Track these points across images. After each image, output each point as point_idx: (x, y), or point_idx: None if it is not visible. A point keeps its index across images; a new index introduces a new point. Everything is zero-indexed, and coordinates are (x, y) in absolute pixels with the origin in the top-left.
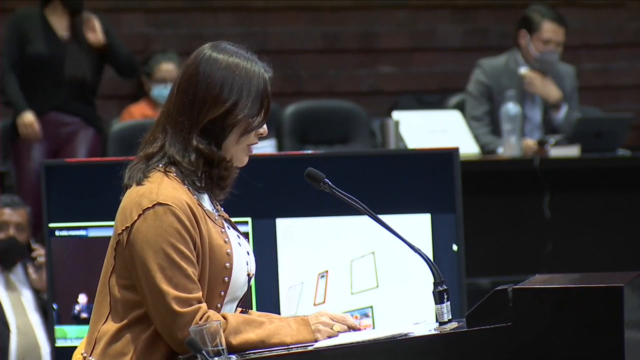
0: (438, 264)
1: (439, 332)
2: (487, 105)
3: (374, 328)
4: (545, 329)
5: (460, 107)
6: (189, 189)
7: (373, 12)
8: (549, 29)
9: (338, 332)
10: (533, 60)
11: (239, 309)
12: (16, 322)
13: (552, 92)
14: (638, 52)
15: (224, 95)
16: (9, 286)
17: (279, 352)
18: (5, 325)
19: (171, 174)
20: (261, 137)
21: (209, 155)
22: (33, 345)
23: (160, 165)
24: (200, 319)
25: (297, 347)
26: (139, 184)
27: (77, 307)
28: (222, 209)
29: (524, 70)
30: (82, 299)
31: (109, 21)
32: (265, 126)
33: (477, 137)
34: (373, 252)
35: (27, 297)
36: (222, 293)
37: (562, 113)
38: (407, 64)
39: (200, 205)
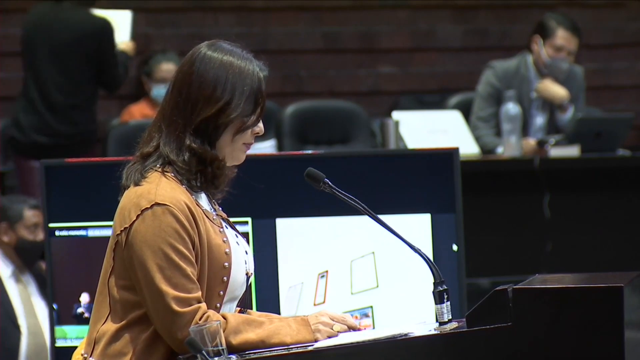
0: (438, 264)
1: (439, 332)
2: (495, 108)
3: (374, 328)
4: (545, 329)
5: (460, 107)
6: (186, 189)
7: (373, 12)
8: (562, 36)
9: (338, 332)
10: (543, 66)
11: (238, 309)
12: (27, 323)
13: (558, 92)
14: (638, 52)
15: (217, 94)
16: (20, 286)
17: (279, 352)
18: (15, 326)
19: (169, 174)
20: (257, 136)
21: (202, 154)
22: (42, 346)
23: (158, 165)
24: (200, 319)
25: (297, 347)
26: (136, 184)
27: (79, 307)
28: (220, 208)
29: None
30: (85, 298)
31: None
32: (261, 125)
33: (480, 138)
34: (373, 252)
35: (37, 298)
36: (221, 292)
37: (568, 114)
38: (407, 64)
39: (198, 205)
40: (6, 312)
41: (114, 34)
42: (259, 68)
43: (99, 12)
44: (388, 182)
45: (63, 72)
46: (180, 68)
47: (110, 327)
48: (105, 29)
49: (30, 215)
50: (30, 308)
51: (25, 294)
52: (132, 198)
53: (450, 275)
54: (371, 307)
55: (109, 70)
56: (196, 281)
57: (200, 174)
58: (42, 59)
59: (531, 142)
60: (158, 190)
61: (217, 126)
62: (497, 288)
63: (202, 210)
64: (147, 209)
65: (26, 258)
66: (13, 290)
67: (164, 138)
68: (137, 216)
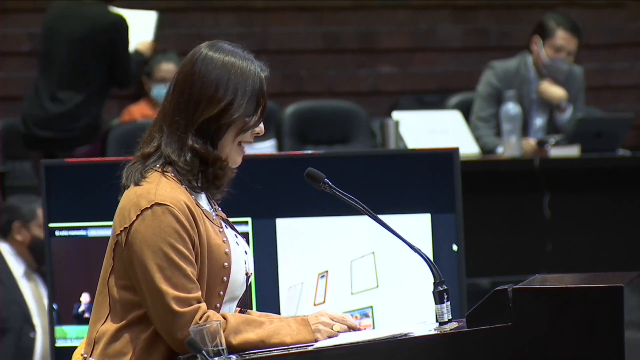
0: (438, 264)
1: (439, 332)
2: (495, 108)
3: (374, 328)
4: (545, 329)
5: (460, 107)
6: (186, 189)
7: (373, 12)
8: (562, 37)
9: (338, 332)
10: (543, 66)
11: (238, 309)
12: (41, 322)
13: (556, 93)
14: (638, 52)
15: (219, 95)
16: (32, 285)
17: (279, 352)
18: (31, 325)
19: (169, 174)
20: (257, 136)
21: (205, 154)
22: None
23: (158, 165)
24: (200, 319)
25: (297, 347)
26: (136, 184)
27: (81, 307)
28: (220, 208)
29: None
30: (85, 298)
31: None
32: (262, 125)
33: (481, 138)
34: (373, 252)
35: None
36: (221, 292)
37: (567, 114)
38: (407, 64)
39: (198, 205)
40: (22, 311)
41: (128, 32)
42: (260, 68)
43: (123, 11)
44: (388, 182)
45: (73, 66)
46: (182, 68)
47: (110, 327)
48: (119, 25)
49: None
50: (43, 307)
51: (37, 293)
52: (131, 198)
53: (450, 275)
54: (371, 307)
55: (120, 67)
56: (196, 281)
57: (201, 174)
58: (56, 52)
59: (531, 142)
60: (158, 190)
61: (220, 126)
62: (497, 288)
63: (202, 210)
64: (147, 208)
65: (40, 257)
66: (26, 290)
67: (165, 138)
68: (137, 216)
